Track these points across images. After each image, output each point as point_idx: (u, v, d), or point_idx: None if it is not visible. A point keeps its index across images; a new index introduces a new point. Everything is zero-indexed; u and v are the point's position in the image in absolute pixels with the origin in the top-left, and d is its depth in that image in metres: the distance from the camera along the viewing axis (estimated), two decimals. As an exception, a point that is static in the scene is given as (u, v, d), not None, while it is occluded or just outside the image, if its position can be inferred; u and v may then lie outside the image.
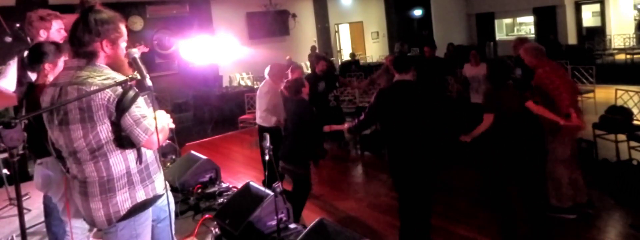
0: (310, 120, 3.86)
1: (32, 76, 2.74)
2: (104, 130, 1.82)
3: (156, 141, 1.89)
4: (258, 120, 4.91)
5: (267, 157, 3.29)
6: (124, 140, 1.86)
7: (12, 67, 2.94)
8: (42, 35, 2.99)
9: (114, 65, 1.94)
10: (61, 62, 2.62)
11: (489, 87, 3.78)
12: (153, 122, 1.87)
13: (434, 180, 3.39)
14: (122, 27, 1.95)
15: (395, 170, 3.39)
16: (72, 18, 1.95)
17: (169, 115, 2.08)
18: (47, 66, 2.62)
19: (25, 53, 2.73)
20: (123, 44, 1.97)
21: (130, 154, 1.92)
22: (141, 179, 1.96)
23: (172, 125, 2.09)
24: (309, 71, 12.93)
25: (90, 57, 1.89)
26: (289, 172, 4.01)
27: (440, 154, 3.40)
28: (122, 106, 1.79)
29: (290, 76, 6.00)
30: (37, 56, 2.63)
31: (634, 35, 12.21)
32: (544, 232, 3.38)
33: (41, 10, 3.07)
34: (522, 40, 5.12)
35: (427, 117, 3.28)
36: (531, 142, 3.33)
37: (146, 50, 3.45)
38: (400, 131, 3.29)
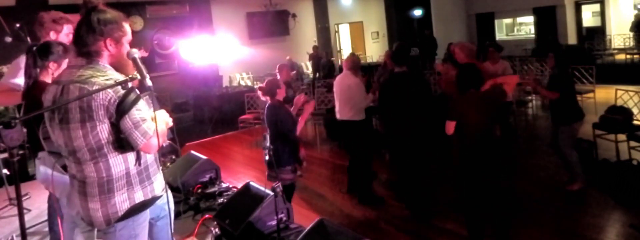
0: (292, 124, 3.69)
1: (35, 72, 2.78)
2: (104, 130, 1.82)
3: (155, 145, 1.89)
4: (354, 117, 4.61)
5: (267, 157, 3.29)
6: (123, 141, 1.85)
7: (23, 63, 2.96)
8: (52, 37, 3.06)
9: (118, 65, 1.94)
10: (65, 64, 2.65)
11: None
12: (152, 125, 1.86)
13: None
14: (126, 26, 1.96)
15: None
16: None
17: (168, 115, 2.07)
18: (51, 65, 2.68)
19: (35, 48, 2.78)
20: (127, 43, 1.97)
21: (130, 155, 1.91)
22: (140, 180, 1.96)
23: (171, 124, 2.09)
24: (309, 71, 12.96)
25: (94, 57, 1.89)
26: (274, 179, 3.74)
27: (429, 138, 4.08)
28: (122, 108, 1.78)
29: (278, 77, 5.97)
30: (44, 53, 2.69)
31: (634, 35, 12.19)
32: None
33: (54, 13, 3.13)
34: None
35: (421, 104, 3.92)
36: (490, 150, 3.34)
37: (145, 54, 3.48)
38: (399, 116, 3.97)
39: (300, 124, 3.81)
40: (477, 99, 3.32)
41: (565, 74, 4.39)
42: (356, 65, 4.72)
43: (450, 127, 3.36)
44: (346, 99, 4.54)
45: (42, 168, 2.73)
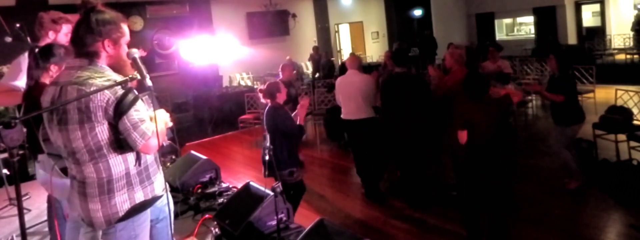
0: (292, 125, 3.66)
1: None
2: (103, 131, 1.81)
3: (154, 146, 1.88)
4: (371, 114, 4.60)
5: (267, 157, 3.29)
6: (122, 142, 1.85)
7: (24, 65, 2.96)
8: (51, 37, 3.06)
9: (117, 66, 1.93)
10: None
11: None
12: (151, 126, 1.86)
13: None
14: (124, 27, 1.95)
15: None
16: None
17: (167, 115, 2.07)
18: (53, 67, 2.69)
19: (37, 50, 2.78)
20: (125, 44, 1.97)
21: (130, 156, 1.91)
22: (140, 180, 1.95)
23: (171, 124, 2.08)
24: (310, 71, 12.95)
25: (92, 57, 1.88)
26: (273, 176, 3.71)
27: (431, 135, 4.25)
28: (120, 109, 1.78)
29: (281, 76, 5.95)
30: (46, 55, 2.69)
31: (634, 35, 12.19)
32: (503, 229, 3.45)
33: (53, 13, 3.14)
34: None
35: (420, 104, 4.08)
36: (496, 152, 3.34)
37: (144, 54, 3.48)
38: (399, 114, 4.17)
39: (301, 120, 3.80)
40: (482, 104, 3.32)
41: (567, 76, 4.38)
42: (361, 64, 4.82)
43: (463, 136, 3.36)
44: (364, 96, 4.49)
45: (42, 172, 2.73)
